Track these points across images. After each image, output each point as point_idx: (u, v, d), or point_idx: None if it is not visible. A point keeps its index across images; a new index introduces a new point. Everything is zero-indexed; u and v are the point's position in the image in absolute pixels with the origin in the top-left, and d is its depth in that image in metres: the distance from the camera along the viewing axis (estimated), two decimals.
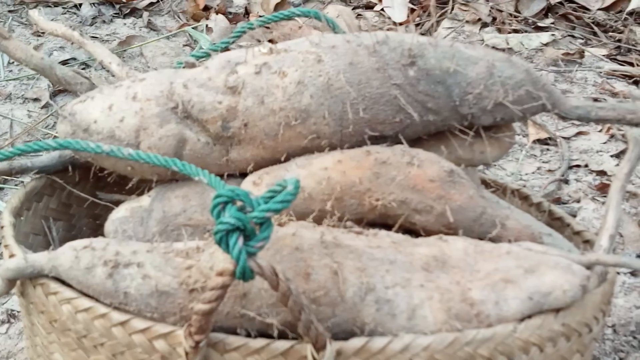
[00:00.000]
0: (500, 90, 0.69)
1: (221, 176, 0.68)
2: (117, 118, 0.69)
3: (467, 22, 1.83)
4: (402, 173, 0.65)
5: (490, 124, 0.71)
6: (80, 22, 1.74)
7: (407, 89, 0.68)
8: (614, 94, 1.54)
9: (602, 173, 1.30)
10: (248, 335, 0.57)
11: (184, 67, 0.75)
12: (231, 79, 0.68)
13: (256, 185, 0.67)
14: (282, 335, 0.56)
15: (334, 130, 0.67)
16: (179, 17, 1.80)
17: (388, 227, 0.66)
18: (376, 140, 0.68)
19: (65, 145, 0.69)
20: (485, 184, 0.86)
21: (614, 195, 0.72)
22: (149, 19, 1.77)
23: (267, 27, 1.65)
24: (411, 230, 0.66)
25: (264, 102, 0.67)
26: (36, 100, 1.47)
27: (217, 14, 1.77)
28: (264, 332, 0.56)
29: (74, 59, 1.59)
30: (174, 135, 0.68)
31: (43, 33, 1.62)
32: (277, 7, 1.82)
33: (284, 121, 0.67)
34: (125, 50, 1.64)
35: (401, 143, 0.68)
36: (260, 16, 1.80)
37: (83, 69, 1.55)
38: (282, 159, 0.68)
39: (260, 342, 0.54)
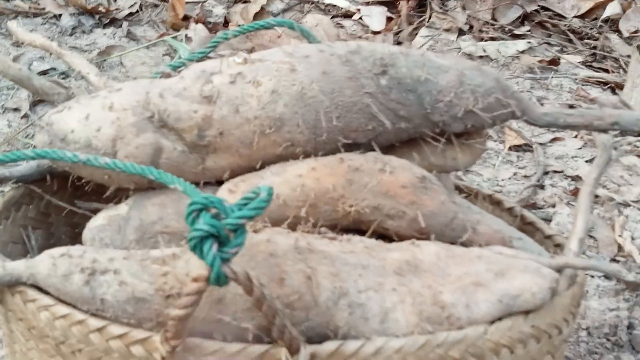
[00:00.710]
0: (470, 98, 0.70)
1: (197, 184, 0.69)
2: (94, 127, 0.70)
3: (444, 30, 1.85)
4: (375, 179, 0.66)
5: (461, 131, 0.72)
6: (60, 32, 1.74)
7: (379, 97, 0.69)
8: (589, 100, 1.57)
9: (577, 178, 1.32)
10: (224, 339, 0.58)
11: (160, 77, 0.76)
12: (206, 88, 0.69)
13: (232, 193, 0.68)
14: (258, 340, 0.57)
15: (308, 138, 0.68)
16: (158, 27, 1.81)
17: (361, 232, 0.67)
18: (349, 147, 0.70)
19: (43, 154, 0.69)
20: (459, 189, 0.87)
21: (583, 200, 0.73)
22: (129, 29, 1.78)
23: (246, 36, 1.66)
24: (384, 236, 0.67)
25: (239, 111, 0.68)
26: (16, 110, 1.47)
27: (196, 23, 1.78)
28: (240, 337, 0.57)
29: (54, 69, 1.60)
30: (151, 144, 0.69)
31: (22, 44, 1.63)
32: (256, 16, 1.83)
33: (258, 129, 0.68)
34: (105, 60, 1.65)
35: (374, 150, 0.70)
36: (239, 25, 1.81)
37: (63, 78, 1.56)
38: (258, 166, 0.69)
39: (235, 346, 0.55)
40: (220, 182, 0.71)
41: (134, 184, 0.71)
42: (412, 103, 0.70)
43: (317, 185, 0.66)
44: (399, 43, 1.75)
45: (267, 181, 0.67)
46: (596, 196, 1.25)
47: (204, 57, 0.86)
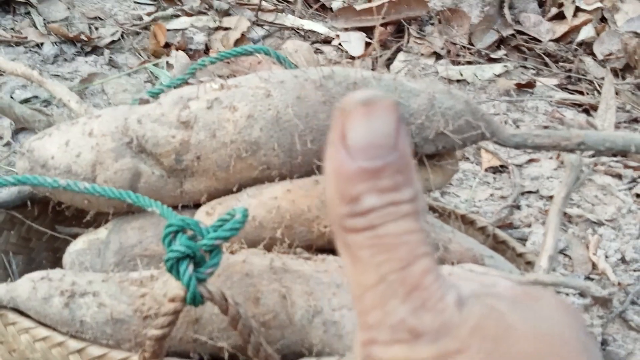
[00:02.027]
0: (441, 120, 0.72)
1: (175, 207, 0.71)
2: (74, 153, 0.71)
3: (422, 54, 1.88)
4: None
5: (433, 153, 0.74)
6: (42, 60, 1.76)
7: None
8: (564, 122, 1.59)
9: (552, 198, 1.34)
10: (201, 359, 0.59)
11: (138, 104, 0.78)
12: (184, 114, 0.70)
13: (209, 215, 0.69)
14: (234, 358, 0.58)
15: (283, 161, 0.70)
16: (140, 54, 1.83)
17: (336, 252, 0.68)
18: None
19: (23, 180, 0.71)
20: (434, 210, 0.89)
21: (552, 219, 0.75)
22: (110, 57, 1.80)
23: (227, 62, 1.68)
24: None
25: (215, 135, 0.70)
26: None
27: (177, 50, 1.80)
28: (216, 356, 0.59)
29: (36, 97, 1.61)
30: (129, 169, 0.71)
31: (3, 72, 1.64)
32: (236, 43, 1.85)
33: (235, 153, 0.69)
34: (87, 88, 1.66)
35: None
36: (219, 52, 1.83)
37: (45, 106, 1.57)
38: (234, 189, 0.71)
39: None
40: (197, 205, 0.72)
41: (113, 208, 0.72)
42: None
43: (293, 207, 0.68)
44: (379, 68, 1.78)
45: (244, 203, 0.69)
46: (568, 215, 1.28)
47: (182, 84, 0.88)
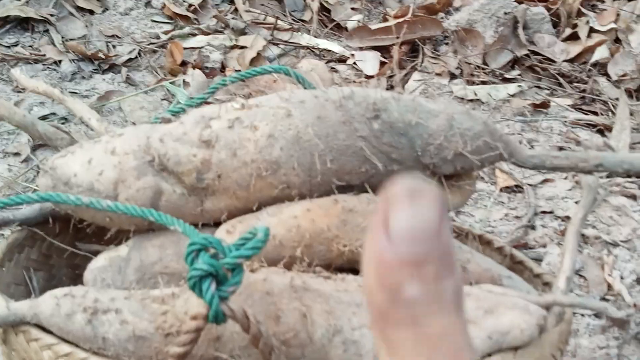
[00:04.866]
0: (459, 141, 0.73)
1: (196, 225, 0.71)
2: (97, 171, 0.72)
3: (436, 74, 1.89)
4: (368, 220, 0.68)
5: (451, 173, 0.75)
6: (60, 78, 1.78)
7: (372, 140, 0.71)
8: (579, 143, 1.60)
9: (567, 219, 1.35)
10: None
11: (160, 123, 0.79)
12: (205, 133, 0.71)
13: (230, 234, 0.70)
14: None
15: (303, 181, 0.71)
16: (156, 72, 1.85)
17: (355, 271, 0.69)
18: (343, 189, 0.72)
19: (46, 198, 0.72)
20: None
21: (570, 239, 0.75)
22: (128, 75, 1.81)
23: (243, 81, 1.69)
24: None
25: (236, 154, 0.70)
26: (16, 154, 1.50)
27: (194, 68, 1.81)
28: None
29: (54, 114, 1.63)
30: (151, 187, 0.71)
31: (23, 89, 1.66)
32: (252, 61, 1.87)
33: (255, 172, 0.70)
34: (104, 105, 1.68)
35: (367, 192, 0.72)
36: (236, 70, 1.85)
37: (62, 123, 1.59)
38: (254, 208, 0.72)
39: None
40: (218, 224, 0.73)
41: (134, 225, 0.73)
42: (403, 146, 0.72)
43: (312, 226, 0.68)
44: (392, 87, 1.79)
45: (264, 222, 0.69)
46: (584, 236, 1.28)
47: (202, 103, 0.89)
